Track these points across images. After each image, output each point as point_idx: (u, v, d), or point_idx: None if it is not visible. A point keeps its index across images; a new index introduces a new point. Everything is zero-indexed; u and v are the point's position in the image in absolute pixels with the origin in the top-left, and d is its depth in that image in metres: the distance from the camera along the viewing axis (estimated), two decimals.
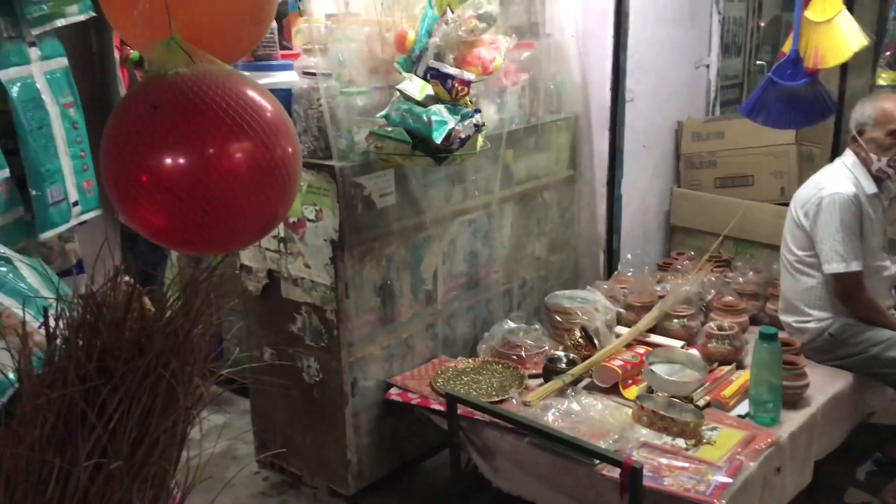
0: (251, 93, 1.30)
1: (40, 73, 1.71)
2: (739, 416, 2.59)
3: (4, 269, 1.58)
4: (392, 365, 3.03)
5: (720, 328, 2.97)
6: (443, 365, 3.05)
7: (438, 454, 3.17)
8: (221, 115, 1.23)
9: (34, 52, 1.70)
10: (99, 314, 1.19)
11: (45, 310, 1.49)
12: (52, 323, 1.26)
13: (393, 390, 2.95)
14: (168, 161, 1.21)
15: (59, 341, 1.21)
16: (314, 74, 2.71)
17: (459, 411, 2.68)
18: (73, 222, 1.79)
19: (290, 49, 3.01)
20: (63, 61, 1.77)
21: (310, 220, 2.79)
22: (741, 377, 2.77)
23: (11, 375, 1.37)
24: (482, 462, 2.71)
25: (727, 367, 2.87)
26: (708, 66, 4.22)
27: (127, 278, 1.34)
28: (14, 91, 1.65)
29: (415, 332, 3.10)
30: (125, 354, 1.11)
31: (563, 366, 2.86)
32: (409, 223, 2.99)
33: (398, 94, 2.58)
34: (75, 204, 1.78)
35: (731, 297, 3.22)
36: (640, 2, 3.55)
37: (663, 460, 2.34)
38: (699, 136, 4.02)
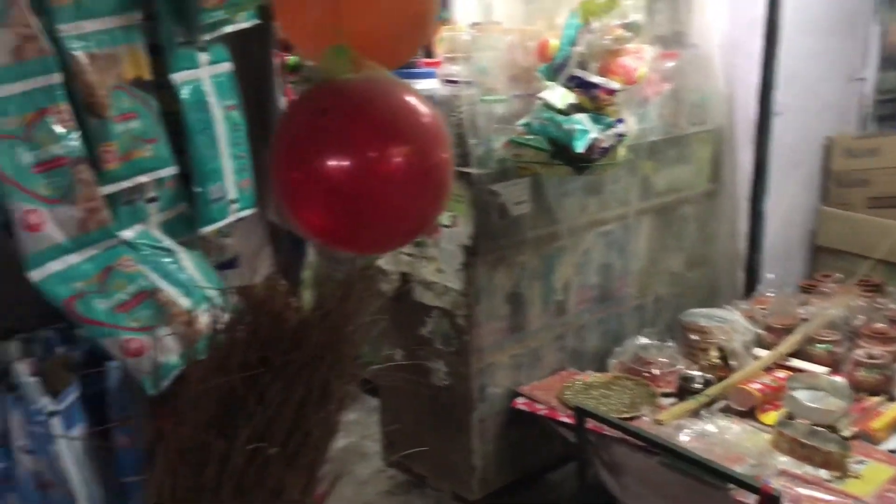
0: (412, 100, 1.33)
1: (208, 77, 1.80)
2: (891, 451, 2.43)
3: (169, 259, 1.68)
4: (520, 374, 3.02)
5: (870, 356, 2.80)
6: (571, 377, 3.02)
7: (564, 467, 3.14)
8: (384, 121, 1.27)
9: (203, 57, 1.80)
10: (260, 307, 1.25)
11: (210, 300, 1.58)
12: (215, 313, 1.34)
13: (520, 399, 2.94)
14: (333, 163, 1.26)
15: (221, 330, 1.27)
16: (456, 82, 2.75)
17: (588, 425, 2.64)
18: (230, 219, 1.87)
19: (434, 57, 3.06)
20: (228, 66, 1.86)
21: (445, 226, 2.82)
22: (892, 409, 2.61)
23: (175, 360, 1.46)
24: (609, 478, 2.66)
25: (876, 398, 2.70)
26: (863, 80, 3.99)
27: (277, 277, 1.40)
28: (184, 93, 1.75)
29: (544, 342, 3.08)
30: (284, 346, 1.16)
31: (699, 385, 2.78)
32: (543, 232, 2.97)
33: (539, 102, 2.58)
34: (234, 202, 1.87)
35: (882, 324, 3.03)
36: (794, 12, 3.40)
37: (803, 490, 2.23)
38: (851, 152, 3.81)
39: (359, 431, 3.44)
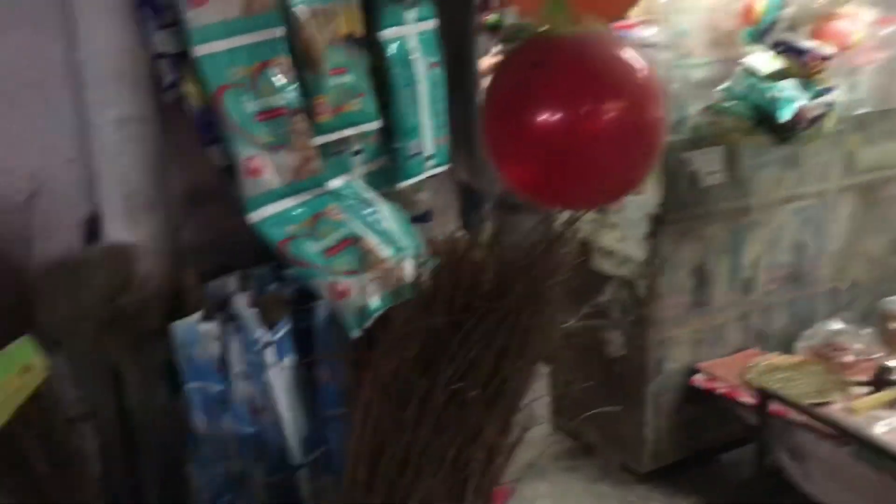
0: (628, 55, 1.31)
1: (414, 35, 1.85)
2: None
3: (370, 209, 1.76)
4: (700, 350, 2.94)
5: None
6: (755, 358, 2.90)
7: (739, 449, 3.03)
8: (598, 76, 1.26)
9: (411, 15, 1.85)
10: (461, 257, 1.29)
11: (409, 250, 1.65)
12: (417, 262, 1.40)
13: (699, 376, 2.87)
14: (543, 118, 1.26)
15: (425, 278, 1.32)
16: (651, 45, 2.67)
17: (771, 409, 2.54)
18: (426, 174, 1.93)
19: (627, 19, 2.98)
20: (432, 24, 1.90)
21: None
22: None
23: (376, 304, 1.54)
24: (792, 465, 2.54)
25: None
26: None
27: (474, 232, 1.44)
28: (391, 50, 1.81)
29: (728, 319, 2.98)
30: (488, 295, 1.19)
31: None
32: (734, 205, 2.86)
33: (742, 67, 2.47)
34: (430, 158, 1.92)
35: None
36: None
37: None
38: None
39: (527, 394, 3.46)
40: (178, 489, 1.61)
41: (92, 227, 1.68)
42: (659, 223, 2.71)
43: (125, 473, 1.65)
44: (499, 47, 2.30)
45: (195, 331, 1.54)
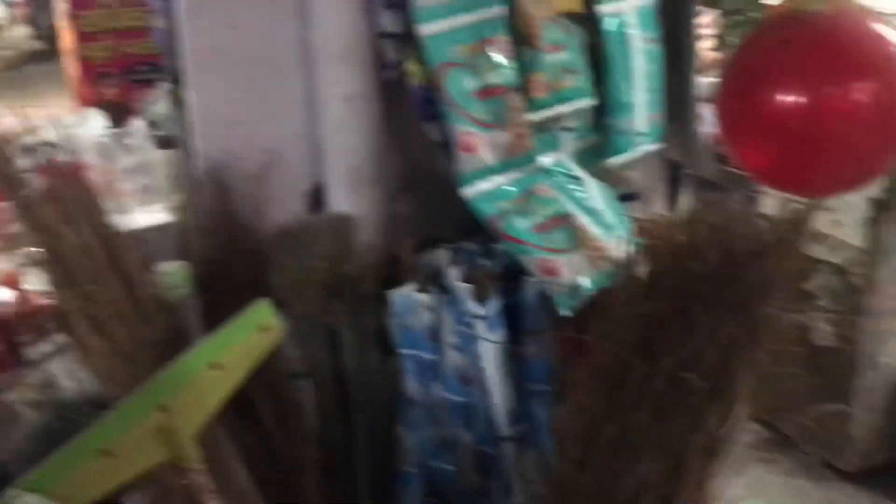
0: (882, 34, 1.21)
1: (632, 10, 1.81)
2: None
3: (579, 187, 1.75)
4: None
5: None
6: None
7: None
8: (850, 54, 1.18)
9: None
10: (682, 240, 1.26)
11: (619, 229, 1.63)
12: (630, 242, 1.38)
13: None
14: (789, 98, 1.20)
15: (643, 260, 1.30)
16: (885, 16, 2.46)
17: None
18: (637, 152, 1.88)
19: None
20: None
21: None
22: None
23: (587, 284, 1.54)
24: None
25: None
26: None
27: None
28: (609, 26, 1.77)
29: None
30: (714, 282, 1.16)
31: None
32: None
33: None
34: (642, 135, 1.88)
35: None
36: None
37: None
38: None
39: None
40: (388, 448, 1.69)
41: (317, 198, 1.79)
42: (882, 208, 2.51)
43: (340, 430, 1.75)
44: (718, 21, 2.19)
45: (411, 300, 1.61)
